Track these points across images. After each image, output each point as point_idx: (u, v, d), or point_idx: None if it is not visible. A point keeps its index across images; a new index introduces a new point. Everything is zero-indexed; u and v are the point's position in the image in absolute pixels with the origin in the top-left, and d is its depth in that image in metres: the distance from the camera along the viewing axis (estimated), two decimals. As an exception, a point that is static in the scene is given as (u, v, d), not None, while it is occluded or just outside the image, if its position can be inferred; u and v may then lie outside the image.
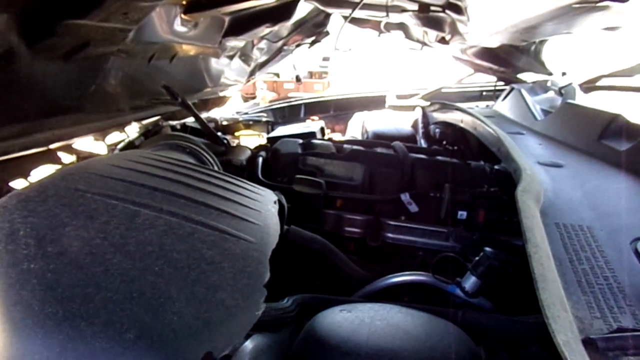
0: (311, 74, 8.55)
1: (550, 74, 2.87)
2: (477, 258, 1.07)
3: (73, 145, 1.95)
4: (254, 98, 6.55)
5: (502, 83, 3.28)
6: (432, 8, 2.30)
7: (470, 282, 1.03)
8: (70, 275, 0.56)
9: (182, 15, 1.83)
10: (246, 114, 3.69)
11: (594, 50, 2.77)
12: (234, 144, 2.16)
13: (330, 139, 2.28)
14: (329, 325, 0.78)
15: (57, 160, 1.89)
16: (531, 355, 1.00)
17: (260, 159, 1.81)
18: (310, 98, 3.96)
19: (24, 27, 1.15)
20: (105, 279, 0.57)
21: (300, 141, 1.99)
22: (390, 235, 1.59)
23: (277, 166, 1.81)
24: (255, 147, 2.19)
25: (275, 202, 1.03)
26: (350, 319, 0.80)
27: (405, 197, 1.61)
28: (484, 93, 3.53)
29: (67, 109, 1.51)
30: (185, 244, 0.68)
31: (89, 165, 0.85)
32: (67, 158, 1.95)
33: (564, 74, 2.79)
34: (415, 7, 2.37)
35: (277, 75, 7.72)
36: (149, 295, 0.57)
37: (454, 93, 3.62)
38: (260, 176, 1.70)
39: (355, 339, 0.73)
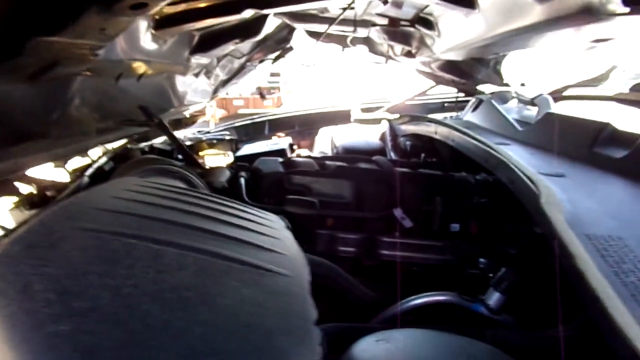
0: (260, 89, 8.47)
1: (506, 84, 2.99)
2: (499, 274, 1.05)
3: (27, 174, 1.78)
4: (203, 116, 6.37)
5: (462, 94, 3.39)
6: (402, 23, 2.33)
7: (494, 298, 1.01)
8: (110, 335, 0.47)
9: (153, 31, 1.73)
10: (208, 132, 3.57)
11: (547, 62, 2.93)
12: (217, 166, 2.06)
13: (308, 156, 2.23)
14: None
15: (14, 191, 1.71)
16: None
17: (243, 180, 1.72)
18: (274, 115, 3.90)
19: (-12, 45, 1.03)
20: (148, 335, 0.48)
21: (280, 159, 1.93)
22: (385, 252, 1.56)
23: (261, 187, 1.73)
24: (228, 166, 2.09)
25: (287, 228, 0.96)
26: (393, 351, 0.74)
27: (398, 212, 1.59)
28: (446, 104, 3.63)
29: (30, 135, 1.37)
30: (223, 285, 0.60)
31: (89, 200, 0.75)
32: (24, 188, 1.78)
33: (522, 85, 2.91)
34: (384, 21, 2.39)
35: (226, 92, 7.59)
36: (201, 350, 0.49)
37: (417, 105, 3.70)
38: (246, 198, 1.62)
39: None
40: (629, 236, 0.82)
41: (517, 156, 1.39)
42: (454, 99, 3.41)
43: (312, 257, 1.25)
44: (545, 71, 2.75)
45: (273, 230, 0.87)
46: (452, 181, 1.78)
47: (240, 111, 7.30)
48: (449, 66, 3.07)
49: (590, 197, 1.01)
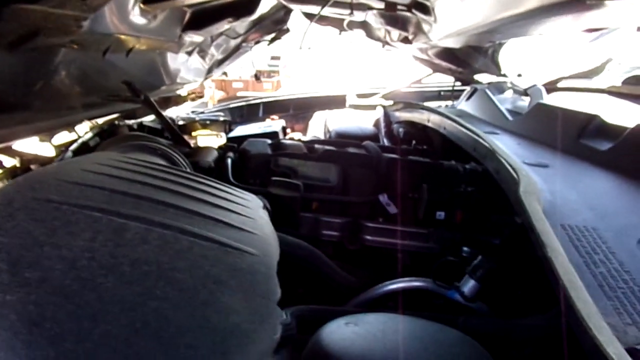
0: (260, 73, 8.42)
1: (504, 75, 2.97)
2: (475, 262, 1.04)
3: (14, 147, 1.76)
4: (201, 97, 6.31)
5: (459, 83, 3.36)
6: (399, 7, 2.29)
7: (469, 286, 1.01)
8: (58, 306, 0.46)
9: (142, 5, 1.69)
10: (202, 113, 3.54)
11: (545, 53, 2.90)
12: (205, 145, 2.04)
13: (299, 140, 2.21)
14: (339, 342, 0.72)
15: (-3, 163, 1.69)
16: (525, 357, 0.99)
17: (230, 160, 1.71)
18: (269, 97, 3.87)
19: (-36, 11, 1.00)
20: (100, 308, 0.47)
21: (269, 141, 1.91)
22: (369, 237, 1.56)
23: (247, 167, 1.72)
24: (219, 147, 2.08)
25: (264, 208, 0.95)
26: (361, 334, 0.74)
27: (383, 198, 1.58)
28: (442, 93, 3.60)
29: (12, 106, 1.34)
30: (186, 260, 0.60)
31: (57, 171, 0.74)
32: (8, 161, 1.76)
33: (519, 75, 2.88)
34: (381, 5, 2.35)
35: (225, 74, 7.53)
36: (155, 325, 0.48)
37: (413, 92, 3.66)
38: (231, 178, 1.60)
39: (373, 357, 0.68)
40: (604, 227, 0.82)
41: (505, 146, 1.38)
42: (450, 88, 3.38)
43: (291, 238, 1.24)
44: (542, 62, 2.72)
45: (248, 209, 0.86)
46: (440, 169, 1.77)
47: (240, 94, 7.24)
48: (446, 54, 3.04)
49: (571, 188, 1.01)
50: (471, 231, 1.51)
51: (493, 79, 3.03)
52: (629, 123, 1.16)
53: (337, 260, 1.51)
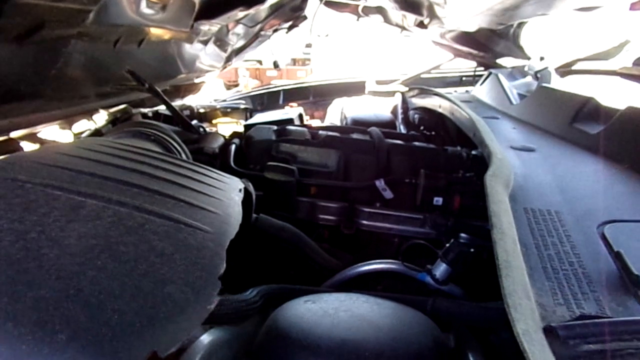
0: (294, 61, 8.46)
1: (528, 58, 2.86)
2: (447, 245, 1.05)
3: (38, 134, 1.88)
4: (236, 86, 6.44)
5: (482, 68, 3.27)
6: (410, -10, 2.26)
7: (440, 269, 1.02)
8: (1, 272, 0.51)
9: (149, -4, 1.75)
10: (224, 101, 3.62)
11: (571, 34, 2.77)
12: (212, 132, 2.10)
13: (309, 125, 2.24)
14: (291, 317, 0.75)
15: (18, 150, 1.81)
16: (503, 341, 0.99)
17: (233, 147, 1.76)
18: (289, 85, 3.90)
19: (-32, 8, 1.08)
20: (38, 275, 0.53)
21: (275, 128, 1.95)
22: (365, 222, 1.57)
23: (250, 153, 1.77)
24: (230, 134, 2.13)
25: (240, 190, 0.99)
26: (314, 310, 0.77)
27: (379, 183, 1.59)
28: (464, 78, 3.52)
29: (24, 95, 1.43)
30: (135, 235, 0.64)
31: (36, 154, 0.80)
32: (30, 147, 1.88)
33: (542, 58, 2.78)
34: (392, -10, 2.33)
35: (260, 62, 7.62)
36: (87, 292, 0.53)
37: (434, 78, 3.60)
38: (232, 164, 1.65)
39: (317, 331, 0.71)
40: (567, 211, 0.81)
41: (500, 130, 1.36)
42: (471, 73, 3.30)
43: (276, 221, 1.28)
44: (563, 44, 2.61)
45: (218, 191, 0.90)
46: (443, 155, 1.75)
47: (274, 82, 7.30)
48: (466, 38, 2.97)
49: (550, 172, 0.99)
50: (467, 217, 1.50)
51: (518, 62, 2.93)
52: (624, 105, 1.11)
53: (332, 244, 1.54)
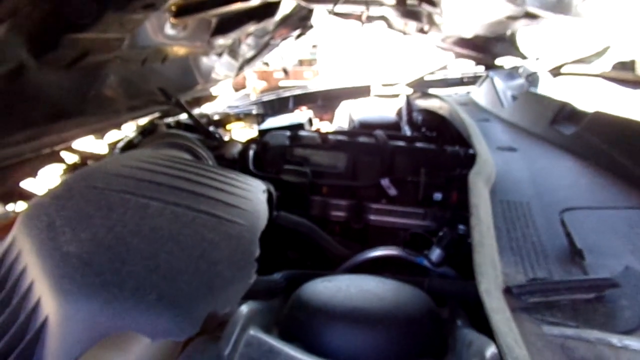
0: (301, 62, 8.62)
1: (525, 57, 3.01)
2: (440, 233, 1.22)
3: (74, 146, 2.08)
4: (244, 88, 6.64)
5: (483, 68, 3.42)
6: (409, 2, 2.43)
7: (435, 254, 1.19)
8: (101, 255, 0.70)
9: (172, 20, 1.96)
10: (237, 107, 3.81)
11: (566, 34, 2.91)
12: (226, 137, 2.29)
13: (317, 130, 2.42)
14: (312, 293, 0.94)
15: (61, 160, 2.02)
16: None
17: (251, 152, 1.95)
18: (298, 90, 4.08)
19: (31, 43, 1.29)
20: (128, 256, 0.72)
21: (288, 133, 2.13)
22: (372, 217, 1.75)
23: (266, 158, 1.95)
24: (247, 140, 2.32)
25: (264, 191, 1.18)
26: (330, 287, 0.95)
27: (385, 182, 1.77)
28: (465, 79, 3.66)
29: (70, 113, 1.64)
30: (189, 228, 0.83)
31: (104, 167, 0.99)
32: (70, 158, 2.09)
33: (537, 59, 2.93)
34: (392, 1, 2.50)
35: (267, 64, 7.81)
36: (164, 268, 0.72)
37: (437, 80, 3.75)
38: (251, 168, 1.84)
39: (333, 302, 0.89)
40: (536, 201, 0.98)
41: (489, 132, 1.53)
42: (472, 74, 3.45)
43: (294, 217, 1.47)
44: (558, 45, 2.75)
45: (247, 192, 1.09)
46: (442, 155, 1.92)
47: (281, 83, 7.45)
48: (464, 41, 3.13)
49: (527, 169, 1.16)
50: (464, 210, 1.67)
51: (517, 62, 3.08)
52: (594, 109, 1.28)
53: (343, 237, 1.72)
